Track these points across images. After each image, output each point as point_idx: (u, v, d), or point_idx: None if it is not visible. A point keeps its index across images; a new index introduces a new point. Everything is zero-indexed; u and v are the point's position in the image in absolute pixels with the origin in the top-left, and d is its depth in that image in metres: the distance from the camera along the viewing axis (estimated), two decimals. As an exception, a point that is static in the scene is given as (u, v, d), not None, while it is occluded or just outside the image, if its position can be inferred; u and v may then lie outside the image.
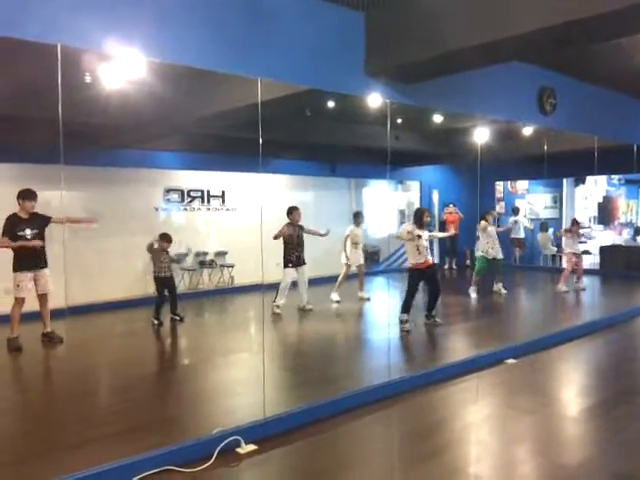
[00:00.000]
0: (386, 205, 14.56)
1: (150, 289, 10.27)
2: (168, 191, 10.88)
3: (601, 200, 16.56)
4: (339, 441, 4.16)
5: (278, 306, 8.53)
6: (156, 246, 8.23)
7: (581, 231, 11.04)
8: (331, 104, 7.73)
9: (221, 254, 11.40)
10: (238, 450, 3.84)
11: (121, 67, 5.08)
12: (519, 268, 13.74)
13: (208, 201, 11.42)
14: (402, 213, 15.40)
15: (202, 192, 11.34)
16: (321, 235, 8.91)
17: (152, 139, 8.99)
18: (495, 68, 5.64)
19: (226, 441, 3.80)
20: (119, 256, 9.95)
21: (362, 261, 9.83)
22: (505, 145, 10.61)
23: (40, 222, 6.81)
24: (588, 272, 12.68)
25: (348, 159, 12.30)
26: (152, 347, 7.20)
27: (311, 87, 4.69)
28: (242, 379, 5.78)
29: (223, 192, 11.63)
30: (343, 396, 4.67)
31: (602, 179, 16.11)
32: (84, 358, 6.30)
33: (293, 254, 8.61)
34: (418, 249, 7.05)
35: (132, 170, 10.05)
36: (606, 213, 16.74)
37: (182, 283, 10.83)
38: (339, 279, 9.69)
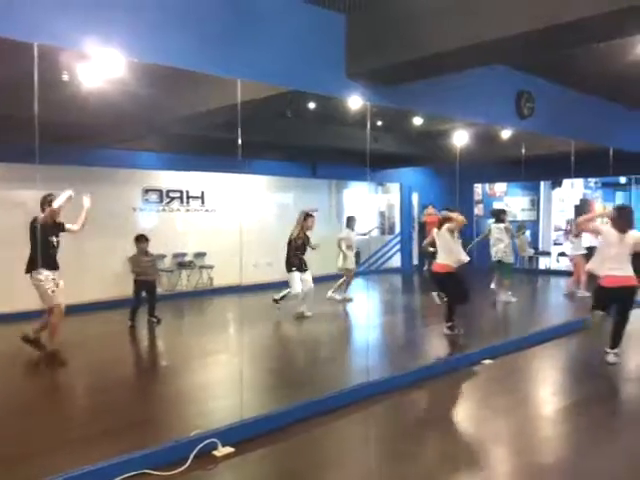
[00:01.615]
0: (367, 207, 14.60)
1: (128, 290, 10.20)
2: (147, 191, 10.79)
3: (578, 203, 16.78)
4: (317, 443, 4.16)
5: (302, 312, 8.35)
6: (135, 250, 8.15)
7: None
8: (312, 105, 7.75)
9: (200, 255, 11.34)
10: (215, 453, 3.81)
11: (99, 66, 5.03)
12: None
13: (187, 202, 11.35)
14: (382, 215, 15.47)
15: (181, 193, 11.27)
16: (312, 248, 8.79)
17: (131, 139, 8.89)
18: (474, 72, 5.67)
19: (202, 444, 3.77)
20: (96, 257, 9.84)
21: (354, 265, 9.89)
22: (484, 148, 10.70)
23: (59, 229, 6.42)
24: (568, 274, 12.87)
25: (329, 160, 12.31)
26: (130, 349, 7.13)
27: (291, 88, 4.68)
28: (221, 381, 5.74)
29: (203, 193, 11.57)
30: (322, 397, 4.67)
31: (579, 182, 16.33)
32: (59, 360, 6.19)
33: (296, 258, 8.46)
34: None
35: (110, 170, 9.92)
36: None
37: (160, 284, 10.74)
38: (340, 282, 9.70)
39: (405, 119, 9.73)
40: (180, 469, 3.57)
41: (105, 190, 10.04)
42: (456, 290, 7.04)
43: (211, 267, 11.17)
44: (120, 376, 5.78)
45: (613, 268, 5.66)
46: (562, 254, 14.85)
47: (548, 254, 14.44)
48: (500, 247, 9.59)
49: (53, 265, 6.12)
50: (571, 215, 16.52)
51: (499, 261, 9.66)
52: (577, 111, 7.57)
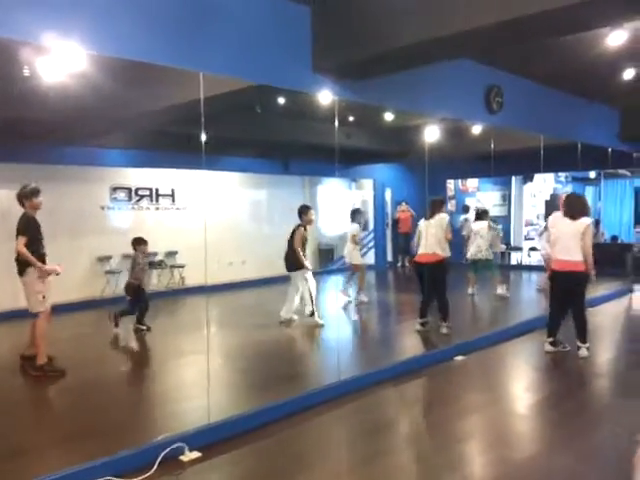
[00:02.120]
0: (341, 203, 14.55)
1: (97, 291, 9.99)
2: (115, 189, 10.58)
3: (548, 198, 16.96)
4: (286, 445, 4.07)
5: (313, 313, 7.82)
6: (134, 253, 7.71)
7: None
8: (282, 100, 7.65)
9: (171, 254, 11.16)
10: (182, 458, 3.70)
11: (61, 60, 4.87)
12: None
13: (157, 200, 11.16)
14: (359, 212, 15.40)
15: (151, 191, 11.08)
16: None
17: (97, 135, 8.69)
18: (443, 67, 5.66)
19: (169, 449, 3.66)
20: (64, 257, 9.55)
21: (360, 260, 9.56)
22: (455, 143, 10.74)
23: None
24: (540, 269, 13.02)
25: (301, 157, 12.22)
26: (98, 351, 6.92)
27: (256, 82, 4.58)
28: (191, 383, 5.63)
29: (173, 190, 11.39)
30: (290, 398, 4.59)
31: (550, 177, 16.50)
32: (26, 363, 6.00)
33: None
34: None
35: (76, 168, 9.68)
36: (553, 210, 17.12)
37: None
38: (360, 280, 9.43)
39: (377, 115, 9.69)
40: (145, 475, 3.46)
41: (72, 188, 9.82)
42: (443, 284, 6.95)
43: (182, 266, 11.00)
44: (86, 379, 5.60)
45: (562, 253, 5.77)
46: (533, 249, 15.03)
47: (520, 249, 14.57)
48: (481, 245, 9.49)
49: (43, 263, 5.62)
50: (542, 210, 16.73)
51: (478, 260, 9.57)
52: (545, 106, 7.62)
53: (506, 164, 11.65)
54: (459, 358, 6.03)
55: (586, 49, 6.19)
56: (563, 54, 6.48)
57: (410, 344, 7.02)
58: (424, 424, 4.55)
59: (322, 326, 7.62)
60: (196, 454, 3.75)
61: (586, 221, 5.78)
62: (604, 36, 5.75)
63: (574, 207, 5.85)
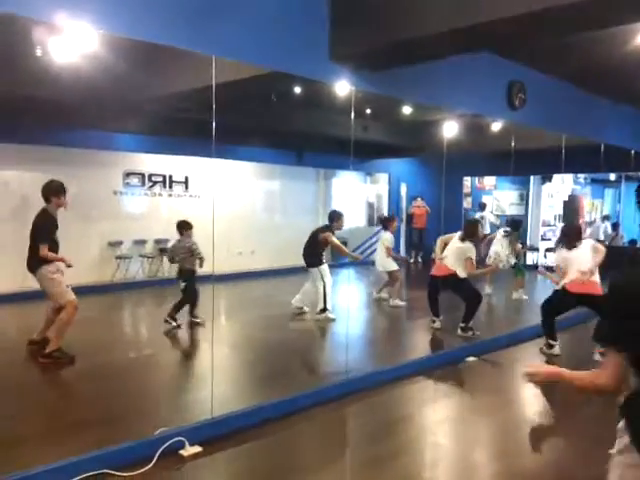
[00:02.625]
0: (356, 197, 14.41)
1: (107, 276, 9.96)
2: (128, 175, 10.50)
3: (566, 199, 16.68)
4: (290, 443, 3.98)
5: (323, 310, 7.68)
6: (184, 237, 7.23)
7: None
8: (298, 90, 7.49)
9: (182, 241, 11.07)
10: (181, 452, 3.61)
11: (73, 40, 4.77)
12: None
13: (170, 186, 11.08)
14: (370, 206, 15.27)
15: (164, 177, 10.99)
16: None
17: (110, 119, 8.62)
18: (465, 60, 5.49)
19: (168, 442, 3.57)
20: (76, 241, 9.54)
21: (396, 267, 9.03)
22: (473, 140, 10.51)
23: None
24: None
25: (316, 148, 12.05)
26: (101, 338, 6.81)
27: (272, 69, 4.43)
28: (196, 374, 5.55)
29: (187, 178, 11.30)
30: (297, 394, 4.48)
31: (569, 178, 16.21)
32: (30, 348, 5.94)
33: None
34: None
35: (90, 152, 9.60)
36: (571, 212, 16.86)
37: (141, 270, 10.51)
38: (396, 286, 8.96)
39: (395, 108, 9.51)
40: (143, 469, 3.37)
41: (85, 172, 9.75)
42: (470, 290, 6.78)
43: (193, 254, 10.90)
44: (87, 367, 5.49)
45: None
46: (550, 249, 14.78)
47: (536, 249, 14.33)
48: (499, 253, 9.25)
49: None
50: (559, 211, 16.45)
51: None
52: (568, 104, 7.40)
53: (525, 163, 11.38)
54: (470, 359, 5.90)
55: (613, 47, 5.98)
56: (589, 51, 6.27)
57: (423, 343, 6.89)
58: (434, 427, 4.43)
59: (333, 320, 7.52)
60: (197, 449, 3.66)
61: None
62: (634, 33, 5.55)
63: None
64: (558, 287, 6.02)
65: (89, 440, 3.72)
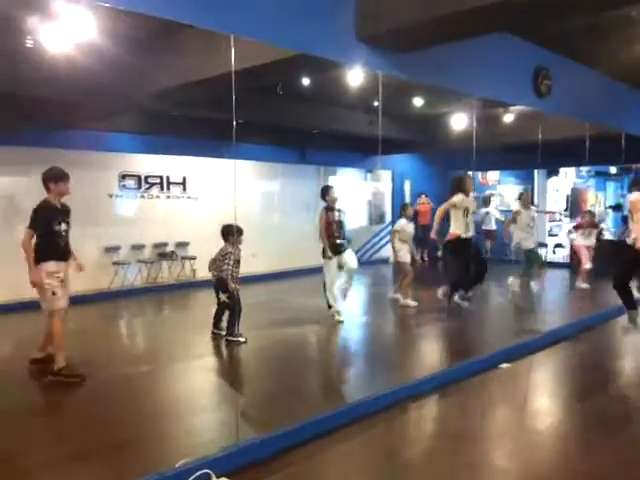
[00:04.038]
0: (357, 195, 13.98)
1: (102, 283, 9.46)
2: (124, 177, 10.01)
3: (569, 192, 16.38)
4: (327, 469, 3.54)
5: (338, 312, 7.29)
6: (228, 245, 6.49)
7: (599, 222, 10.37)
8: (305, 82, 7.09)
9: (182, 245, 10.62)
10: (208, 486, 3.16)
11: (68, 24, 4.33)
12: (491, 260, 13.33)
13: (168, 188, 10.60)
14: (370, 203, 14.84)
15: (161, 178, 10.51)
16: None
17: (103, 118, 8.15)
18: (491, 44, 5.13)
19: (194, 476, 3.11)
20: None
21: (409, 259, 8.33)
22: (478, 135, 10.11)
23: (69, 213, 5.20)
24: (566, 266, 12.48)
25: (320, 145, 11.62)
26: (103, 352, 6.32)
27: (293, 50, 3.98)
28: (215, 392, 5.08)
29: (184, 179, 10.82)
30: (329, 413, 4.03)
31: (571, 171, 15.92)
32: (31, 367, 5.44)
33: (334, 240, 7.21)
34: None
35: (84, 153, 9.09)
36: (575, 205, 16.56)
37: (140, 276, 10.03)
38: (401, 282, 8.41)
39: (401, 102, 9.13)
40: (165, 509, 2.93)
41: (78, 175, 9.10)
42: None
43: (194, 258, 10.45)
44: (91, 384, 5.03)
45: None
46: (558, 245, 14.43)
47: (544, 245, 13.96)
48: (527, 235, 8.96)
49: (60, 256, 5.04)
50: (564, 205, 16.13)
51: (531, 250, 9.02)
52: (593, 92, 7.01)
53: (531, 156, 11.01)
54: (503, 366, 5.48)
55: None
56: (616, 37, 5.93)
57: (443, 350, 6.47)
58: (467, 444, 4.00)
59: (341, 322, 7.14)
60: (224, 481, 3.21)
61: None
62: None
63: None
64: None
65: (98, 473, 3.27)
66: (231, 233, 6.29)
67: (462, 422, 4.26)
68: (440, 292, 7.25)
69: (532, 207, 9.59)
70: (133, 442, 3.80)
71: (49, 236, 4.92)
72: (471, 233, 6.93)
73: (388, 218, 14.33)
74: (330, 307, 7.28)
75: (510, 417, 4.39)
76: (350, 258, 7.35)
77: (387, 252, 14.07)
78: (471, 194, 6.98)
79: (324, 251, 7.21)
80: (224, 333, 6.37)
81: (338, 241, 7.17)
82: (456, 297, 7.05)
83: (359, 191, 14.18)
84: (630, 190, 6.36)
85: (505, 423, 4.31)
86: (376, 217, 14.73)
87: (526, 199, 9.35)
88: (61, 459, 3.55)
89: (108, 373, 5.32)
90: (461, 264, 7.04)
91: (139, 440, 3.85)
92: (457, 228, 6.88)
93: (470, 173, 14.20)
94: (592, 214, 10.42)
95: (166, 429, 4.12)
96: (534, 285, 9.50)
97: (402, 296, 8.30)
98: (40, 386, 5.03)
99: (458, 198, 6.84)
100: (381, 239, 14.31)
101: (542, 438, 3.95)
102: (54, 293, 4.94)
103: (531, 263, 9.16)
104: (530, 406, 4.59)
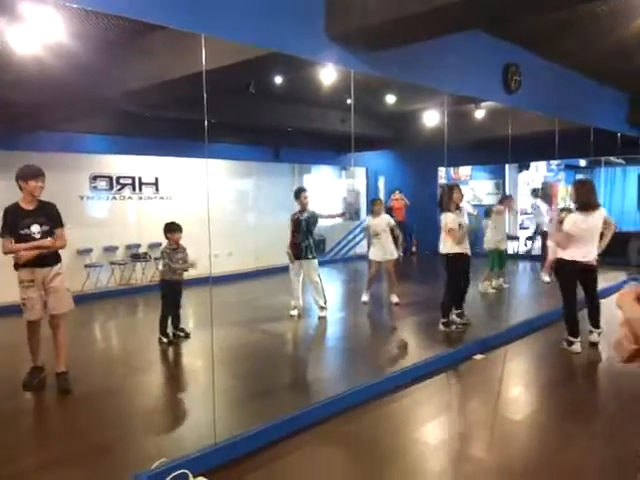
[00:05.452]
0: (332, 192, 14.02)
1: (75, 286, 9.30)
2: (95, 178, 9.88)
3: (540, 186, 16.63)
4: (302, 466, 3.56)
5: (296, 307, 7.50)
6: (168, 244, 6.59)
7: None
8: (278, 81, 7.07)
9: (156, 246, 10.49)
10: (185, 486, 3.16)
11: (36, 24, 4.25)
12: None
13: (140, 189, 10.49)
14: (345, 200, 14.91)
15: (133, 179, 10.39)
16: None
17: (73, 119, 8.03)
18: (461, 41, 5.20)
19: (171, 476, 3.11)
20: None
21: (388, 256, 8.09)
22: (450, 130, 10.21)
23: (49, 212, 4.94)
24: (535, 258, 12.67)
25: (294, 143, 11.63)
26: (79, 358, 6.23)
27: (263, 48, 3.96)
28: (191, 394, 5.06)
29: (157, 179, 10.72)
30: (305, 410, 4.06)
31: (542, 165, 16.15)
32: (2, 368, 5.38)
33: (294, 243, 7.33)
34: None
35: (55, 155, 8.94)
36: (545, 198, 16.82)
37: (112, 278, 9.92)
38: (391, 279, 8.36)
39: (373, 99, 9.16)
40: (144, 511, 2.92)
41: (49, 177, 8.90)
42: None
43: (168, 259, 10.35)
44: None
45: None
46: (530, 238, 14.65)
47: (516, 238, 14.18)
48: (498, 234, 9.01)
49: (34, 262, 4.72)
50: (534, 200, 16.35)
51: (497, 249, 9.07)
52: (562, 87, 7.14)
53: (502, 151, 11.15)
54: (477, 357, 5.57)
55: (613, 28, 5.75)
56: (585, 35, 6.04)
57: (418, 343, 6.54)
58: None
59: (292, 317, 7.39)
60: (202, 480, 3.21)
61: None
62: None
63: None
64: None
65: (76, 478, 3.24)
66: (173, 231, 6.54)
67: (438, 414, 4.33)
68: (440, 326, 6.59)
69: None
70: (107, 446, 3.77)
71: (18, 241, 4.71)
72: (468, 248, 6.61)
73: (363, 215, 14.39)
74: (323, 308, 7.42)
75: (486, 407, 4.47)
76: (309, 270, 7.31)
77: (362, 249, 14.21)
78: (461, 203, 6.73)
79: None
80: (183, 335, 6.59)
81: (302, 245, 7.24)
82: (453, 316, 6.66)
83: (334, 188, 14.21)
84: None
85: (481, 413, 4.38)
86: (351, 213, 14.79)
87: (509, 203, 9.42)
88: (38, 465, 3.51)
89: (84, 380, 5.25)
90: (456, 280, 6.63)
91: (114, 444, 3.82)
92: (455, 244, 6.50)
93: (445, 169, 14.52)
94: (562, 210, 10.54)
95: (143, 432, 4.10)
96: (504, 283, 9.57)
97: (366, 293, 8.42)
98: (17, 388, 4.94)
99: (449, 218, 6.47)
100: (355, 236, 14.37)
101: (518, 427, 4.03)
102: (23, 304, 4.73)
103: (503, 263, 9.30)
104: (505, 395, 4.67)
